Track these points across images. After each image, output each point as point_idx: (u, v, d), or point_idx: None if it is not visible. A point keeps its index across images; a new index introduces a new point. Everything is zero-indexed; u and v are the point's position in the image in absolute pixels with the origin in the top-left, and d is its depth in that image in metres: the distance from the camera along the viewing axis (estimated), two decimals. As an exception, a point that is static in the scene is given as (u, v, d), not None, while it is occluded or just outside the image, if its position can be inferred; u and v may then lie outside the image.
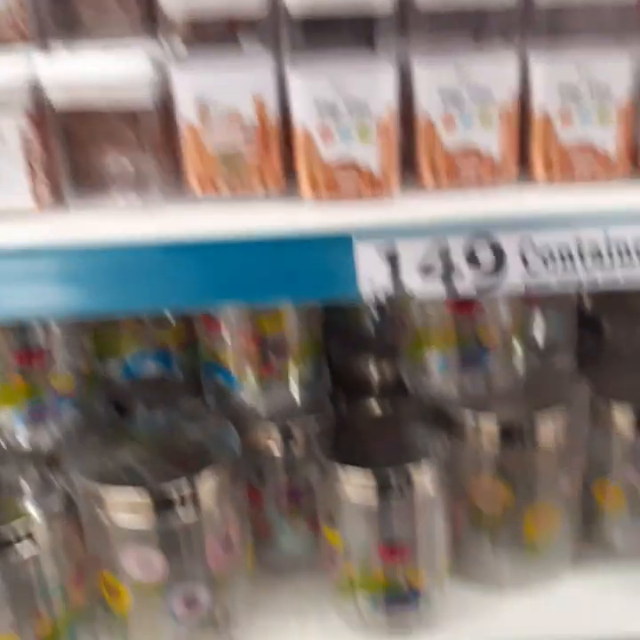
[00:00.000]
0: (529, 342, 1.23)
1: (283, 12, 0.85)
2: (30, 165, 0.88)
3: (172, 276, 0.87)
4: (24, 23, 0.89)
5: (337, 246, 0.87)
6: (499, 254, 0.86)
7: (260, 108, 0.87)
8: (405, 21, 0.88)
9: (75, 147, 0.90)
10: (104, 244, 0.86)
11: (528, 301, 1.23)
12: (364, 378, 1.33)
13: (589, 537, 1.26)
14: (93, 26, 0.91)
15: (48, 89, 0.85)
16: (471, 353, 1.10)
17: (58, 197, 0.93)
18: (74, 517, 1.07)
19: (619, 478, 1.20)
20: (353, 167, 0.89)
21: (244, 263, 0.87)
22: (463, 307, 1.07)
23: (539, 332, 1.28)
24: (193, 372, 1.23)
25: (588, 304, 1.42)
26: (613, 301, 1.42)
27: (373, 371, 1.32)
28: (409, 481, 1.05)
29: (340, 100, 0.85)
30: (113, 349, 1.22)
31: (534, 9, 0.86)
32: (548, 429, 1.11)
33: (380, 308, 1.33)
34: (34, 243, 0.86)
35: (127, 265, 0.86)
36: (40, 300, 0.86)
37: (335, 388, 1.23)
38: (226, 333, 1.10)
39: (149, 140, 0.89)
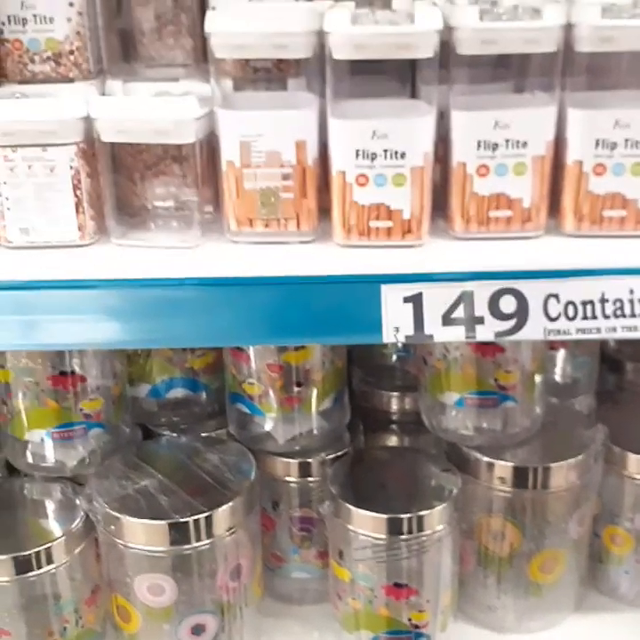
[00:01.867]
0: (549, 383, 1.25)
1: (328, 54, 0.87)
2: (77, 198, 0.91)
3: (205, 312, 0.89)
4: (86, 63, 0.93)
5: (364, 290, 0.88)
6: (522, 303, 0.88)
7: (301, 150, 0.90)
8: (446, 65, 0.90)
9: (121, 180, 0.93)
10: (143, 278, 0.88)
11: (552, 344, 1.26)
12: (385, 411, 1.35)
13: (596, 583, 1.27)
14: (151, 64, 0.95)
15: (99, 124, 0.89)
16: (490, 394, 1.11)
17: (102, 230, 0.96)
18: (92, 539, 1.09)
19: (628, 525, 1.20)
20: (386, 212, 0.92)
21: (275, 303, 0.89)
22: (485, 349, 1.08)
23: (560, 373, 1.31)
24: (219, 398, 1.25)
25: (611, 345, 1.44)
26: (637, 343, 1.44)
27: (394, 405, 1.34)
28: (419, 523, 1.05)
29: (379, 147, 0.88)
30: (143, 374, 1.24)
31: (574, 55, 0.88)
32: (561, 474, 1.12)
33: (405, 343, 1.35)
34: (76, 275, 0.88)
35: (164, 300, 0.88)
36: (80, 330, 0.89)
37: (355, 419, 1.25)
38: (251, 363, 1.12)
39: (193, 175, 0.92)
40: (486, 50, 0.88)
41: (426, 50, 0.86)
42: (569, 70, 0.90)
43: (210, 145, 0.93)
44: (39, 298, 0.87)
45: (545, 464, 1.11)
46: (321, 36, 0.86)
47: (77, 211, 0.91)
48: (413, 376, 1.24)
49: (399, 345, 1.38)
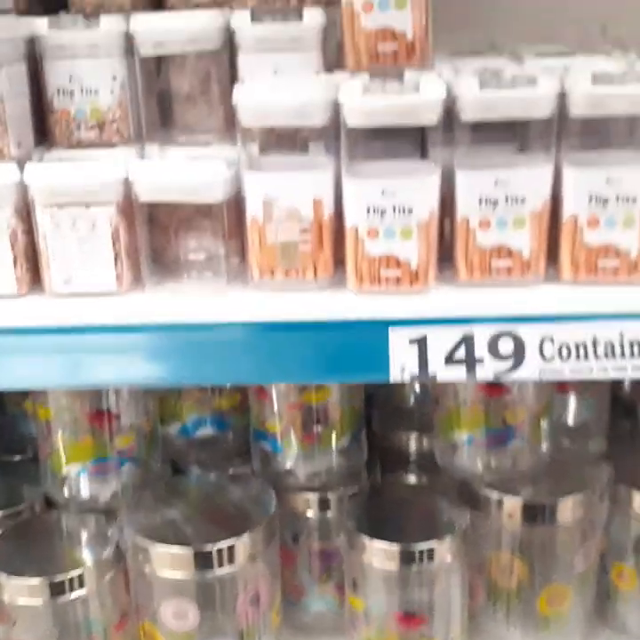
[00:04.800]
0: (559, 425, 1.31)
1: (342, 121, 0.96)
2: (116, 251, 1.00)
3: (230, 353, 0.98)
4: (126, 129, 1.05)
5: (373, 333, 0.96)
6: (519, 345, 0.95)
7: (318, 207, 0.99)
8: (452, 129, 0.99)
9: (157, 235, 1.03)
10: (174, 323, 0.98)
11: (561, 386, 1.32)
12: (403, 451, 1.42)
13: (603, 618, 1.31)
14: (186, 130, 1.06)
15: (137, 186, 0.98)
16: (498, 433, 1.18)
17: (137, 280, 1.05)
18: (122, 567, 1.17)
19: (635, 562, 1.25)
20: (395, 263, 1.00)
21: (294, 345, 0.97)
22: (493, 389, 1.16)
23: (570, 414, 1.36)
24: (244, 435, 1.33)
25: (625, 390, 1.49)
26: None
27: (410, 444, 1.42)
28: (430, 553, 1.11)
29: (389, 204, 0.97)
30: (174, 413, 1.33)
31: (569, 120, 0.96)
32: (568, 511, 1.18)
33: (422, 385, 1.42)
34: (114, 321, 0.98)
35: (193, 343, 0.97)
36: (117, 370, 0.98)
37: (374, 458, 1.32)
38: (273, 402, 1.21)
39: (221, 230, 1.01)
40: (487, 116, 0.96)
41: (430, 117, 0.95)
42: (564, 132, 0.98)
43: (237, 202, 1.02)
44: (81, 341, 0.97)
45: (551, 501, 1.17)
46: (336, 105, 0.96)
47: (116, 263, 1.00)
48: (430, 418, 1.31)
49: (416, 389, 1.45)
